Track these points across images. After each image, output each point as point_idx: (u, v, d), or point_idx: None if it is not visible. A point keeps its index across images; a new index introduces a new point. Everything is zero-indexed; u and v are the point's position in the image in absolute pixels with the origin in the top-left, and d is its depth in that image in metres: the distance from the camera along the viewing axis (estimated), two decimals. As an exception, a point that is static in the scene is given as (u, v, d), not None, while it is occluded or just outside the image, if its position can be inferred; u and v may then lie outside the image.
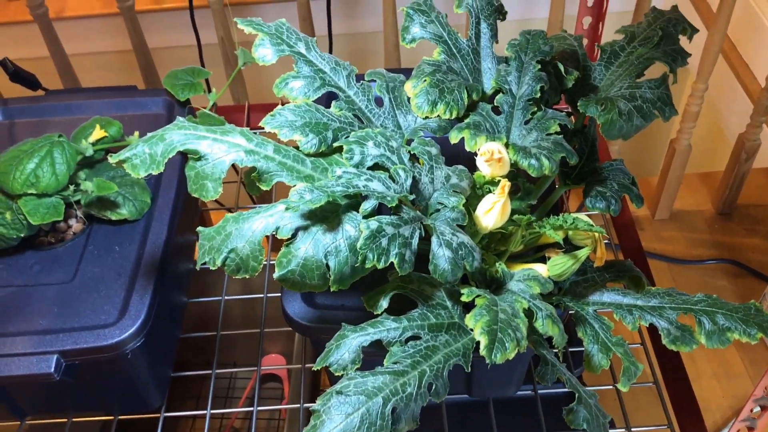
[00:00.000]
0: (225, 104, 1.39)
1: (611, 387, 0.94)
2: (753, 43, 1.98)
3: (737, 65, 1.96)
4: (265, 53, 0.71)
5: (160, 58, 1.65)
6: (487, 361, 0.58)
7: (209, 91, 1.03)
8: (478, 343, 0.60)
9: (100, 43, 2.15)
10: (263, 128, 0.70)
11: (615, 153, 1.73)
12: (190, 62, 1.09)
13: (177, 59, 1.14)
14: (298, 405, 0.95)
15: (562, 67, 0.77)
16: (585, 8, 1.34)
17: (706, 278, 1.68)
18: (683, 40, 0.83)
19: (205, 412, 0.93)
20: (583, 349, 1.00)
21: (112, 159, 0.65)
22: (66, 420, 0.92)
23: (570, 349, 1.00)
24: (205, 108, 1.00)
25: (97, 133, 0.91)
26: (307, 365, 0.99)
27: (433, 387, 0.61)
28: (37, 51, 1.67)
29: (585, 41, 1.43)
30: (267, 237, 1.13)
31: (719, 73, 1.60)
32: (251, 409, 0.93)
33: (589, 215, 0.96)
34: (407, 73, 0.77)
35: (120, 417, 0.93)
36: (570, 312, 0.75)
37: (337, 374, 0.62)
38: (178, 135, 0.65)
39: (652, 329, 0.85)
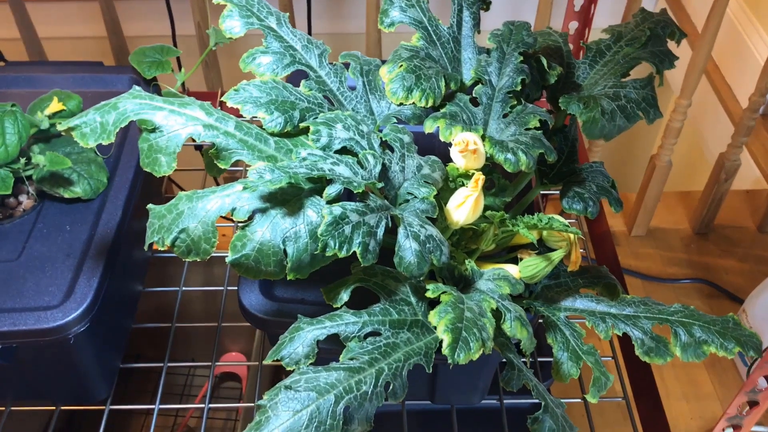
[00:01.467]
0: (198, 90, 1.35)
1: (579, 400, 0.91)
2: (735, 64, 1.98)
3: (719, 85, 1.95)
4: (233, 25, 0.67)
5: (137, 46, 1.60)
6: (450, 361, 0.54)
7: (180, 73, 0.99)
8: (441, 342, 0.56)
9: (76, 28, 2.10)
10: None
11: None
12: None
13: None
14: (253, 404, 0.90)
15: (545, 62, 0.74)
16: (572, 13, 1.31)
17: (680, 297, 1.66)
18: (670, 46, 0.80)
19: (152, 406, 0.88)
20: (551, 359, 0.96)
21: (61, 126, 0.61)
22: (4, 408, 0.87)
23: (540, 359, 0.97)
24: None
25: (55, 105, 0.86)
26: (264, 363, 0.95)
27: (391, 387, 0.56)
28: (8, 32, 1.61)
29: (570, 46, 1.40)
30: (233, 226, 1.09)
31: (700, 92, 1.59)
32: (202, 406, 0.88)
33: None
34: (385, 61, 0.73)
35: (63, 407, 0.87)
36: (540, 319, 0.71)
37: (289, 369, 0.58)
38: (133, 104, 0.60)
39: (625, 343, 0.82)
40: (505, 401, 0.90)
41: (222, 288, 1.00)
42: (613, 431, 1.32)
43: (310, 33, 1.63)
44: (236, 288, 0.80)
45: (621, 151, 2.36)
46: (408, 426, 0.86)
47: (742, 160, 1.67)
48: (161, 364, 0.92)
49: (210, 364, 0.94)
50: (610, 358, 0.96)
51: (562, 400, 0.67)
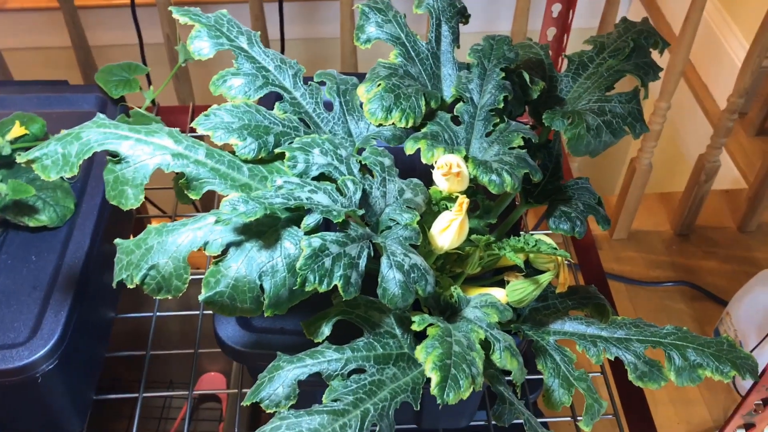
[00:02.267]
0: (168, 104, 1.31)
1: (569, 419, 0.88)
2: (712, 66, 1.98)
3: (696, 86, 1.95)
4: (201, 46, 0.64)
5: (105, 56, 1.56)
6: (439, 401, 0.52)
7: (149, 89, 0.95)
8: (429, 379, 0.54)
9: (40, 38, 2.04)
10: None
11: (575, 170, 1.69)
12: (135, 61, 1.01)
13: (121, 58, 1.07)
14: (233, 434, 0.87)
15: (527, 77, 0.72)
16: (549, 19, 1.29)
17: (664, 300, 1.65)
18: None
19: (129, 439, 0.85)
20: (538, 376, 0.94)
21: (21, 158, 0.57)
22: (-29, 447, 0.83)
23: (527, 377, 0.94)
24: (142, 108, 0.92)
25: (17, 130, 0.82)
26: (244, 390, 0.92)
27: (378, 428, 0.54)
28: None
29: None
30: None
31: (677, 93, 1.58)
32: (180, 437, 0.85)
33: (547, 234, 0.91)
34: (362, 77, 0.70)
35: (33, 444, 0.84)
36: (529, 340, 0.69)
37: (268, 411, 0.55)
38: (96, 134, 0.57)
39: (616, 360, 0.79)
40: (493, 422, 0.88)
41: (198, 312, 0.96)
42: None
43: (283, 39, 1.60)
44: (212, 313, 0.77)
45: (599, 152, 2.35)
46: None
47: (721, 161, 1.67)
48: (137, 395, 0.88)
49: (187, 393, 0.90)
50: (599, 374, 0.94)
51: (550, 422, 0.64)
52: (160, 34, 1.42)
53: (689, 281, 1.67)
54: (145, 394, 0.89)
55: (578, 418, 0.88)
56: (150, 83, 1.37)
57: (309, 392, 0.59)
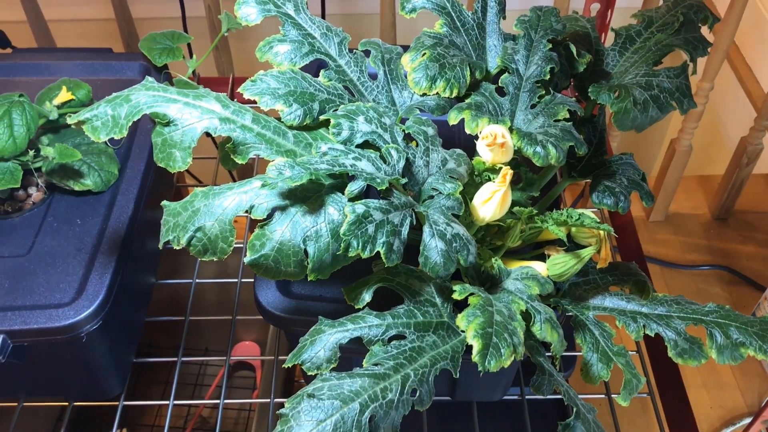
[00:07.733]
0: (208, 76, 1.31)
1: (603, 396, 0.88)
2: (757, 46, 1.93)
3: (740, 68, 1.90)
4: (248, 12, 0.64)
5: (147, 28, 1.57)
6: (480, 369, 0.52)
7: (192, 59, 0.96)
8: (469, 346, 0.54)
9: (83, 10, 2.06)
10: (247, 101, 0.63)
11: (613, 150, 1.67)
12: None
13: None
14: (269, 400, 0.88)
15: (574, 49, 0.71)
16: (594, -5, 1.27)
17: (700, 284, 1.63)
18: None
19: (167, 402, 0.86)
20: (573, 353, 0.94)
21: (71, 119, 0.58)
22: (16, 404, 0.85)
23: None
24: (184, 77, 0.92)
25: (64, 95, 0.84)
26: (280, 357, 0.93)
27: (417, 393, 0.54)
28: (14, 14, 1.58)
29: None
30: (246, 217, 1.06)
31: (720, 75, 1.55)
32: (217, 401, 0.87)
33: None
34: (406, 48, 0.70)
35: (75, 403, 0.86)
36: (567, 315, 0.69)
37: (310, 373, 0.56)
38: (146, 96, 0.58)
39: (649, 336, 0.79)
40: (527, 396, 0.88)
41: (236, 280, 0.98)
42: (633, 423, 1.30)
43: (323, 14, 1.59)
44: (251, 280, 0.77)
45: (632, 133, 2.31)
46: (427, 420, 0.83)
47: (764, 144, 1.64)
48: (175, 359, 0.90)
49: (224, 358, 0.91)
50: (634, 352, 0.94)
51: (584, 399, 0.64)
52: (201, 6, 1.43)
53: (726, 265, 1.65)
54: (183, 359, 0.90)
55: (612, 395, 0.88)
56: (192, 56, 1.38)
57: (346, 359, 0.59)
